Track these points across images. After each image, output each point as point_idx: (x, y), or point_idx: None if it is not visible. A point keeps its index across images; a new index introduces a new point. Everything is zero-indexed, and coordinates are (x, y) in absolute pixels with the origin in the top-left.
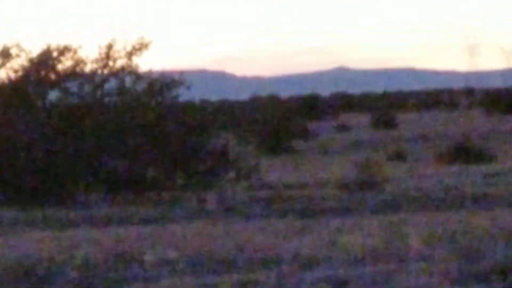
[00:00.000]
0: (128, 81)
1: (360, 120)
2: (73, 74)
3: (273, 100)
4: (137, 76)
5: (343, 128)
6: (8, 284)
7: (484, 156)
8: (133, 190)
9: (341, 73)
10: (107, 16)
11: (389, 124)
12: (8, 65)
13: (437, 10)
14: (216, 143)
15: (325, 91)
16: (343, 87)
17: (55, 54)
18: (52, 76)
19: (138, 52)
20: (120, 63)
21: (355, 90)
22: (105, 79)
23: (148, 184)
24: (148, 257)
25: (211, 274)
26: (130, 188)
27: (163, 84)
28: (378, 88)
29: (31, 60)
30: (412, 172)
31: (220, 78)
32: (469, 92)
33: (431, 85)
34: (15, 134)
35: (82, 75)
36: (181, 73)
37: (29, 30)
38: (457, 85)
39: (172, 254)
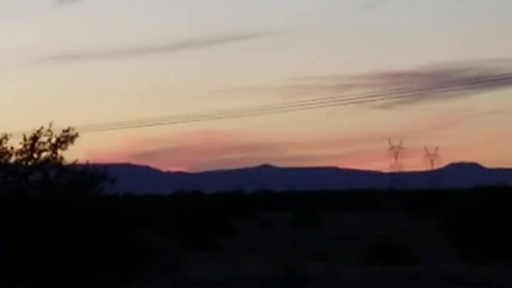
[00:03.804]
0: (52, 173)
1: (283, 218)
2: None
3: (197, 196)
4: (62, 169)
5: (266, 226)
6: None
7: (405, 257)
8: (56, 284)
9: (265, 171)
10: (34, 106)
11: (312, 223)
12: None
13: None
14: (139, 237)
15: (249, 189)
16: (267, 185)
17: None
18: None
19: (63, 145)
20: (44, 155)
21: (278, 188)
22: (29, 171)
23: (71, 277)
24: None
25: None
26: (53, 282)
27: (87, 178)
28: (302, 186)
29: None
30: (334, 272)
31: (144, 172)
32: (392, 192)
33: (355, 185)
34: None
35: (6, 166)
36: (106, 166)
37: None
38: (381, 185)
39: None
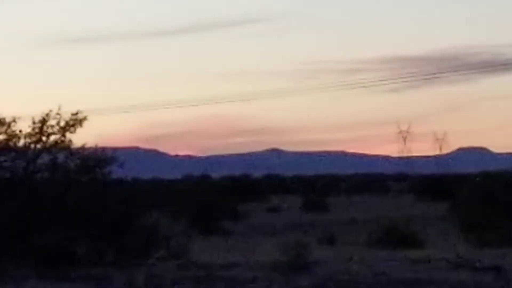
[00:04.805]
0: (60, 157)
1: (291, 202)
2: (6, 148)
3: (205, 179)
4: (70, 152)
5: (274, 210)
6: None
7: (414, 242)
8: (63, 266)
9: (274, 155)
10: (42, 90)
11: (320, 207)
12: None
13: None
14: (147, 221)
15: (257, 173)
16: (275, 169)
17: None
18: None
19: (72, 128)
20: (53, 138)
21: (287, 172)
22: (37, 154)
23: (78, 260)
24: None
25: None
26: (60, 264)
27: (95, 161)
28: (310, 171)
29: None
30: (342, 256)
31: (152, 156)
32: (400, 177)
33: (363, 170)
34: None
35: (15, 149)
36: (114, 150)
37: None
38: (389, 170)
39: None
